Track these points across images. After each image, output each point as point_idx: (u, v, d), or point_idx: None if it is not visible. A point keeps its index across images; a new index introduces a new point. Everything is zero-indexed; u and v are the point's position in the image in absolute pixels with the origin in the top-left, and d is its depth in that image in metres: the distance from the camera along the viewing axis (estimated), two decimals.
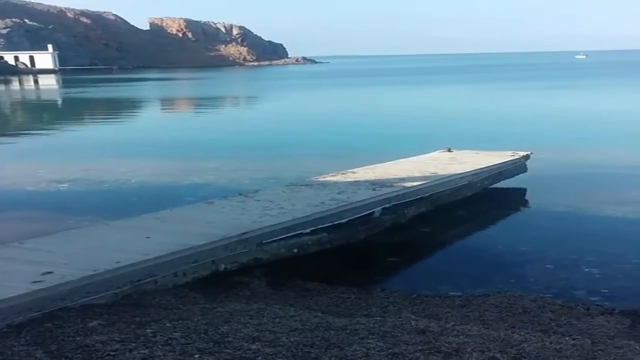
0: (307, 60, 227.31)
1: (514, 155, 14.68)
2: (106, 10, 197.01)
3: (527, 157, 14.92)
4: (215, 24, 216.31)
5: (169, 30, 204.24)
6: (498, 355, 4.95)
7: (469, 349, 5.06)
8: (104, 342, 5.07)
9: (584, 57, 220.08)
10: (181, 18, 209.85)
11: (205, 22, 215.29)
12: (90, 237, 8.40)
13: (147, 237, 8.12)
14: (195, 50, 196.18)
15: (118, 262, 7.00)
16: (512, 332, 5.72)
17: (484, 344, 5.21)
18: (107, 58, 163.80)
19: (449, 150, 15.57)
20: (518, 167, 14.66)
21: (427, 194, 11.75)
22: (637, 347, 5.32)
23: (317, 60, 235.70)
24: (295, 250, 9.00)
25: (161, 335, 5.24)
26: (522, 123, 28.98)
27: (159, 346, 4.99)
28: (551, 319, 6.79)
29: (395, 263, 9.90)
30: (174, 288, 7.29)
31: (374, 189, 11.17)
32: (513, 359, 4.90)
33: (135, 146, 23.61)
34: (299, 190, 11.31)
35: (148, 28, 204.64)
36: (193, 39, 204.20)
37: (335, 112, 37.63)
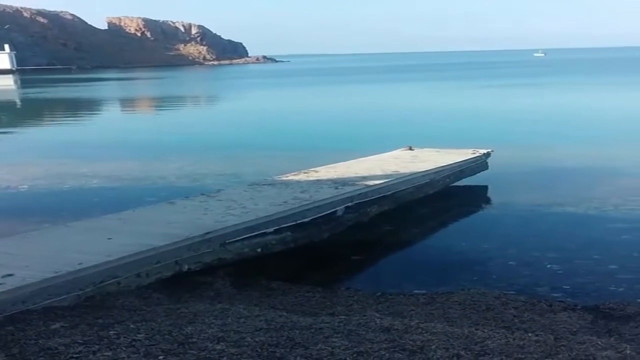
0: (267, 59, 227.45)
1: (475, 153, 14.78)
2: (63, 10, 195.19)
3: (488, 154, 15.04)
4: (174, 23, 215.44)
5: (127, 30, 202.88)
6: (462, 352, 4.97)
7: (433, 347, 5.08)
8: (67, 344, 5.00)
9: (543, 55, 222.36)
10: (139, 17, 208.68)
11: (163, 21, 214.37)
12: (51, 239, 8.31)
13: (109, 238, 8.04)
14: (154, 49, 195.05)
15: (80, 264, 6.92)
16: (476, 329, 5.75)
17: (448, 342, 5.23)
18: (65, 58, 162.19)
19: (411, 149, 15.63)
20: (479, 164, 14.77)
21: (389, 192, 11.79)
22: (599, 343, 5.38)
23: (277, 59, 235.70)
24: (259, 250, 8.97)
25: (125, 337, 5.19)
26: (482, 121, 29.20)
27: (123, 348, 4.94)
28: (514, 316, 6.84)
29: (359, 261, 9.92)
30: (137, 289, 7.22)
31: (336, 188, 11.17)
32: (477, 356, 4.93)
33: (96, 147, 23.37)
34: (262, 189, 11.28)
35: (106, 27, 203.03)
36: (152, 38, 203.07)
37: (296, 111, 37.65)
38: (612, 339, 5.82)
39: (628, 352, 5.11)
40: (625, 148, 20.40)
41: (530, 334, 5.66)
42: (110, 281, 7.06)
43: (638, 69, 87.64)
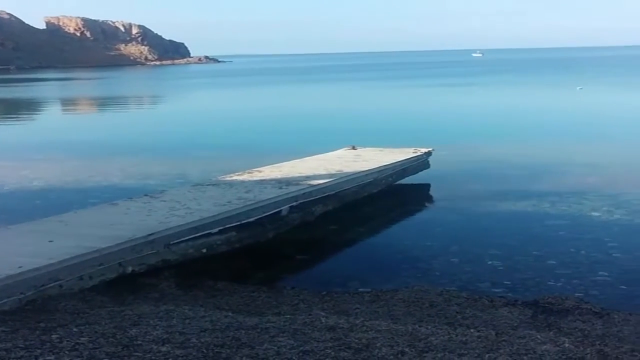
0: (210, 59, 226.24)
1: (416, 152, 14.91)
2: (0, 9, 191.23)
3: (429, 153, 15.19)
4: (113, 22, 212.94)
5: (66, 30, 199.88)
6: (406, 349, 5.03)
7: (378, 344, 5.13)
8: (8, 349, 4.93)
9: (480, 55, 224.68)
10: (78, 17, 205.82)
11: (103, 21, 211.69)
12: None
13: (50, 241, 7.92)
14: (94, 49, 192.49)
15: (20, 267, 6.81)
16: (420, 326, 5.82)
17: (393, 339, 5.29)
18: (2, 58, 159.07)
19: (354, 148, 15.70)
20: (421, 163, 14.91)
21: (333, 192, 11.83)
22: (539, 337, 5.50)
23: (220, 60, 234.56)
24: (204, 251, 8.93)
25: (68, 341, 5.13)
26: (422, 120, 29.52)
27: (66, 352, 4.89)
28: (457, 312, 6.95)
29: (305, 261, 9.96)
30: (80, 292, 7.13)
31: (280, 188, 11.19)
32: (421, 353, 4.99)
33: (38, 148, 22.98)
34: (206, 190, 11.24)
35: (44, 27, 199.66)
36: (91, 38, 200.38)
37: (239, 111, 37.53)
38: (551, 332, 5.96)
39: (566, 345, 5.24)
40: (561, 146, 20.81)
41: (472, 330, 5.76)
42: (52, 284, 6.96)
43: (571, 69, 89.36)
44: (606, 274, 8.78)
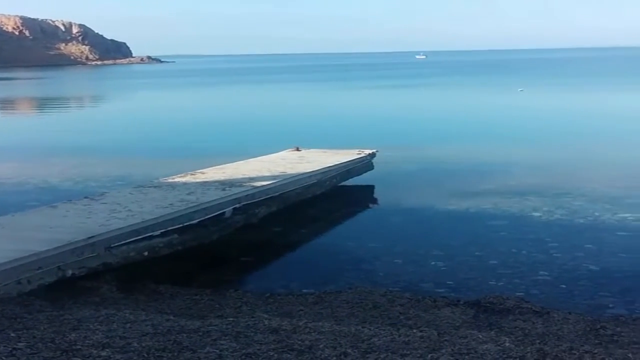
0: (152, 59, 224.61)
1: (360, 154, 14.97)
2: None
3: (373, 155, 15.26)
4: (53, 21, 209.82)
5: (4, 28, 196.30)
6: (349, 351, 5.03)
7: (321, 346, 5.13)
8: None
9: (424, 57, 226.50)
10: (17, 15, 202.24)
11: (42, 19, 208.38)
12: None
13: None
14: (33, 48, 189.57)
15: None
16: (363, 327, 5.84)
17: (336, 340, 5.29)
18: None
19: (298, 149, 15.69)
20: (365, 165, 14.98)
21: (277, 193, 11.81)
22: (480, 336, 5.55)
23: (162, 60, 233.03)
24: (146, 253, 8.84)
25: (4, 346, 5.02)
26: (366, 122, 29.65)
27: (3, 357, 4.79)
28: (400, 313, 6.98)
29: (249, 263, 9.92)
30: (18, 296, 7.01)
31: (223, 189, 11.13)
32: (364, 354, 5.00)
33: None
34: (147, 192, 11.11)
35: None
36: (31, 37, 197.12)
37: (182, 112, 37.24)
38: (492, 332, 6.02)
39: (507, 344, 5.30)
40: (502, 147, 21.11)
41: (415, 330, 5.79)
42: None
43: (514, 70, 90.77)
44: (546, 273, 8.93)
